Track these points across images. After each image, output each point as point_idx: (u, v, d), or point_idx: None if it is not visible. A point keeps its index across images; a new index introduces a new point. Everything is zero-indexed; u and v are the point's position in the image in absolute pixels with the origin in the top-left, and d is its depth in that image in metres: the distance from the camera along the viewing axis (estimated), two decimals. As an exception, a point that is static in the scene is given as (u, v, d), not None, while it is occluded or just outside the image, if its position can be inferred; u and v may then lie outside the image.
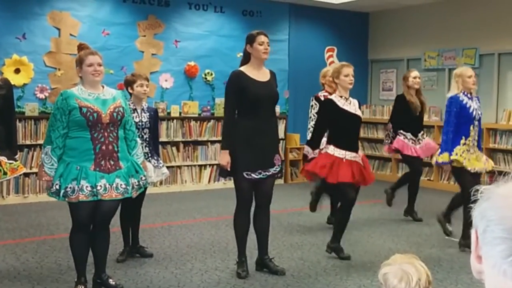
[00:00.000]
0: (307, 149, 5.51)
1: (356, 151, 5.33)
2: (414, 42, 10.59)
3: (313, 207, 6.74)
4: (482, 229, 1.15)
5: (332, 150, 5.25)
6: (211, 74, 9.60)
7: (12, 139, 4.70)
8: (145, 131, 5.21)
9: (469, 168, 5.64)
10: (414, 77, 6.98)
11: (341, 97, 5.32)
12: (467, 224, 5.89)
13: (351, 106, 5.33)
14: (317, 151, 5.40)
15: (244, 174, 4.77)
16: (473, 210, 1.22)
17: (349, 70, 5.28)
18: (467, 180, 5.55)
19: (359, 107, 5.44)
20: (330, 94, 6.38)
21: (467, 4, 9.76)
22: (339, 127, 5.28)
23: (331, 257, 5.49)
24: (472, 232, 1.21)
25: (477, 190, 1.21)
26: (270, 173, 4.89)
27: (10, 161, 4.57)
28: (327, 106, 5.36)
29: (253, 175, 4.79)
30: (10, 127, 4.66)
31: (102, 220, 4.28)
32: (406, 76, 7.07)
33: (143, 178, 4.39)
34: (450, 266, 5.25)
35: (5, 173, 4.51)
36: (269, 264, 5.02)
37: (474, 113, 5.71)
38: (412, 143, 7.01)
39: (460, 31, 9.82)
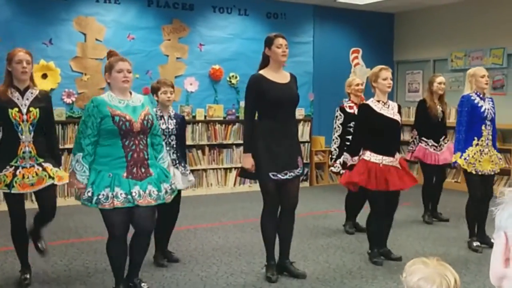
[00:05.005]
0: (346, 155, 5.45)
1: (393, 155, 5.26)
2: (441, 43, 10.48)
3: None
4: None
5: (368, 155, 5.19)
6: (236, 77, 9.62)
7: (54, 150, 4.77)
8: (172, 138, 5.16)
9: (473, 171, 5.65)
10: (439, 83, 6.90)
11: (378, 101, 5.25)
12: (479, 224, 5.84)
13: (389, 110, 5.25)
14: (356, 157, 5.31)
15: (270, 174, 4.72)
16: (498, 212, 1.19)
17: (387, 73, 5.23)
18: (473, 184, 5.72)
19: (399, 111, 5.35)
20: (356, 104, 6.34)
21: (494, 3, 9.62)
22: (376, 132, 5.20)
23: (357, 260, 5.46)
24: (499, 235, 1.17)
25: (501, 192, 1.18)
26: (295, 174, 4.84)
27: (56, 169, 4.63)
28: (363, 111, 5.29)
29: (279, 175, 4.74)
30: (51, 138, 4.73)
31: (143, 227, 4.21)
32: (431, 81, 6.99)
33: (173, 182, 4.40)
34: (478, 269, 5.17)
35: (51, 177, 4.55)
36: (290, 267, 4.98)
37: (486, 112, 5.69)
38: (434, 149, 6.94)
39: (487, 30, 9.70)
